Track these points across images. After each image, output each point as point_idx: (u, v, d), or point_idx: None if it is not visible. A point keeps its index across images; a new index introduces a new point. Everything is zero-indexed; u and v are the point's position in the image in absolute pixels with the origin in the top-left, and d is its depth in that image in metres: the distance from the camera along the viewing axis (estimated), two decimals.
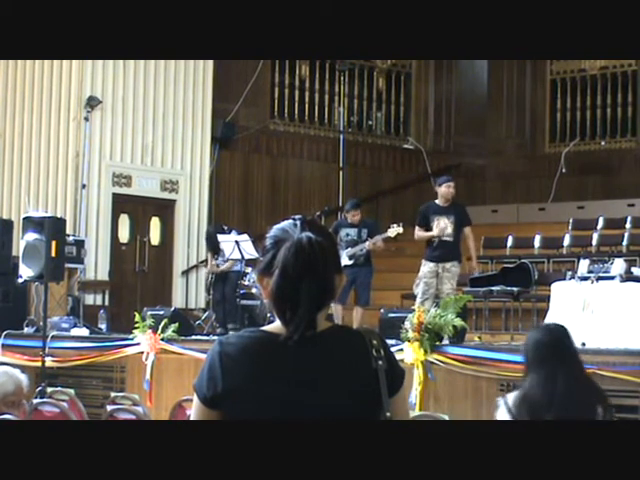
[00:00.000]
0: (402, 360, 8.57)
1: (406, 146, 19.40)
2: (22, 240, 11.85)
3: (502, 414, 4.50)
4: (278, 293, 2.64)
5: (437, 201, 11.65)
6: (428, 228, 11.48)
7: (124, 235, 15.55)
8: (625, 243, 14.32)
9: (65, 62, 15.00)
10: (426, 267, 11.34)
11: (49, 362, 11.45)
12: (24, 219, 12.10)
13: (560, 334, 4.64)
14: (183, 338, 11.07)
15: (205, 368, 2.70)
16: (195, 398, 2.71)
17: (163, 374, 10.83)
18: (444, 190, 11.56)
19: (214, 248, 13.43)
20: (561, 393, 4.44)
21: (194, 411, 2.73)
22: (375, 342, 2.70)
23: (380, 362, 2.67)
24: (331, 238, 2.75)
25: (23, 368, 6.17)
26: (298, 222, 2.70)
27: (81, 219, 14.80)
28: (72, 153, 14.98)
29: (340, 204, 16.21)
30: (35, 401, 8.33)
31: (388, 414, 2.66)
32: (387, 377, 2.67)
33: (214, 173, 16.50)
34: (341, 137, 17.06)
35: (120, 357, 11.25)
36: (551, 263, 14.21)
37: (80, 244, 13.73)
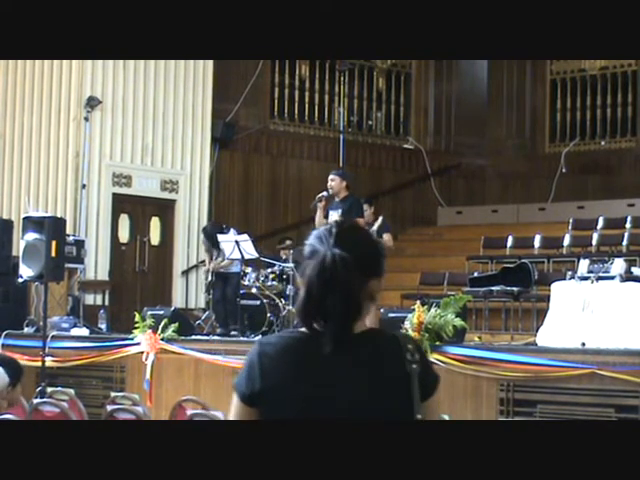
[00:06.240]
0: None
1: (406, 146, 19.39)
2: (22, 240, 11.84)
3: None
4: (304, 312, 2.72)
5: None
6: None
7: (124, 235, 15.55)
8: (625, 243, 14.31)
9: (65, 62, 14.99)
10: None
11: (49, 362, 11.45)
12: (24, 219, 12.09)
13: None
14: (183, 338, 11.08)
15: (245, 367, 2.78)
16: (234, 396, 2.78)
17: (163, 374, 10.84)
18: (328, 184, 11.37)
19: (212, 245, 13.42)
20: None
21: (233, 409, 2.79)
22: (410, 346, 2.74)
23: (414, 366, 2.71)
24: (365, 245, 2.78)
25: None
26: (333, 229, 2.74)
27: (81, 219, 14.79)
28: (72, 153, 14.97)
29: None
30: (35, 401, 8.33)
31: (419, 416, 2.69)
32: (420, 381, 2.71)
33: (214, 173, 16.49)
34: (341, 137, 17.05)
35: (120, 357, 11.25)
36: (551, 263, 14.19)
37: (80, 244, 13.72)
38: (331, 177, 11.40)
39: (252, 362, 2.75)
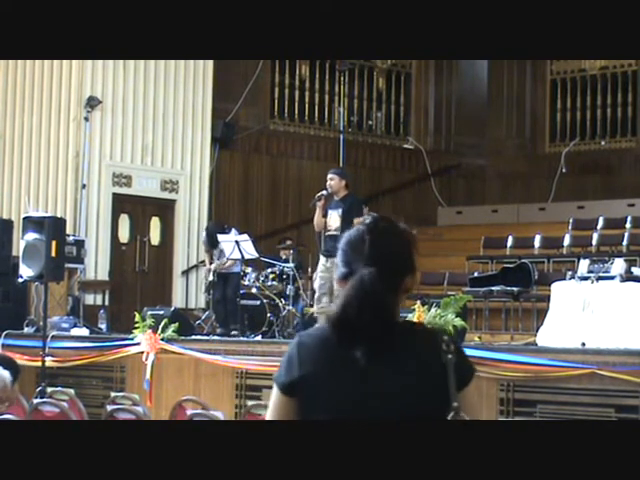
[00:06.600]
0: None
1: (406, 146, 19.40)
2: (22, 240, 11.85)
3: None
4: (339, 325, 2.77)
5: None
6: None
7: (124, 235, 15.54)
8: (625, 243, 14.30)
9: (65, 62, 14.99)
10: (320, 262, 11.02)
11: (49, 362, 11.45)
12: (24, 219, 12.09)
13: None
14: (183, 338, 11.08)
15: (284, 360, 2.83)
16: (274, 389, 2.82)
17: (163, 374, 10.84)
18: (327, 183, 11.25)
19: (213, 243, 13.42)
20: None
21: (272, 403, 2.83)
22: (446, 338, 2.82)
23: (449, 356, 2.77)
24: (398, 251, 2.83)
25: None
26: (366, 236, 2.79)
27: (81, 219, 14.79)
28: (72, 153, 14.97)
29: None
30: (35, 401, 8.33)
31: (455, 404, 2.74)
32: (456, 371, 2.77)
33: (214, 173, 16.49)
34: (341, 137, 17.04)
35: (120, 357, 11.26)
36: (551, 263, 14.18)
37: (80, 244, 13.73)
38: (330, 176, 11.38)
39: (291, 353, 2.81)
